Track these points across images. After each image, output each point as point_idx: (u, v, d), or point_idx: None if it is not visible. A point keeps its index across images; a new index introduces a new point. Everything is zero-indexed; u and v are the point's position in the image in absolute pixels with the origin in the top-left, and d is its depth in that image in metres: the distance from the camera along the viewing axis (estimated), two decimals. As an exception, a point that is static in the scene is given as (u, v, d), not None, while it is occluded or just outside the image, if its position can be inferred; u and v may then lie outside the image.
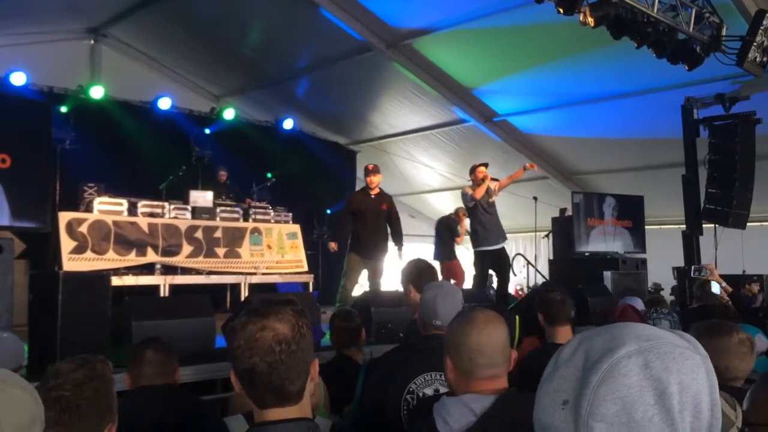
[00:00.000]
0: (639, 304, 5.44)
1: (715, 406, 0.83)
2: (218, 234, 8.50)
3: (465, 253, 15.38)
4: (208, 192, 8.82)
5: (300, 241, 9.30)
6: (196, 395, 3.31)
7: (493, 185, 7.58)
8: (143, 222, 7.92)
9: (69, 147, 8.52)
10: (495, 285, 8.41)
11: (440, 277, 8.22)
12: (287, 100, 11.74)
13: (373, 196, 7.36)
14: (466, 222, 9.10)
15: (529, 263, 10.59)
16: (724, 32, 6.72)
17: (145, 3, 9.25)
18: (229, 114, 10.99)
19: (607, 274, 8.35)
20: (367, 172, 7.41)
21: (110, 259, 7.47)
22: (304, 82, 11.34)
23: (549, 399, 0.83)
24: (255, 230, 8.88)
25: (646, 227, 9.95)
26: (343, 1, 8.72)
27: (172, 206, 8.33)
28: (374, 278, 7.24)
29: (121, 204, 7.89)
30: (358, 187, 13.53)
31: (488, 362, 1.82)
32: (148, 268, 7.88)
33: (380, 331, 5.47)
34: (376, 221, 7.29)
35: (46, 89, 9.25)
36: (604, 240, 9.27)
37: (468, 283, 9.04)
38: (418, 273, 3.27)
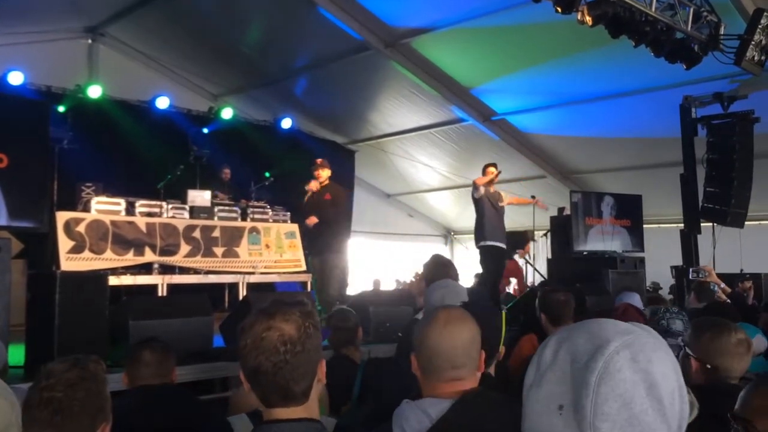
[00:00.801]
0: (637, 300, 5.45)
1: (683, 390, 0.86)
2: (216, 233, 8.48)
3: (464, 251, 15.42)
4: (206, 191, 8.80)
5: (298, 241, 9.28)
6: (194, 395, 3.30)
7: (505, 194, 7.94)
8: (141, 221, 7.91)
9: (67, 146, 8.50)
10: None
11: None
12: (285, 99, 11.74)
13: (319, 188, 7.40)
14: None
15: (527, 262, 10.61)
16: (722, 31, 6.72)
17: (143, 2, 9.24)
18: (227, 113, 10.98)
19: (606, 273, 8.36)
20: (315, 167, 7.50)
21: (108, 259, 7.45)
22: (303, 81, 11.33)
23: (541, 406, 0.82)
24: (253, 230, 8.87)
25: (645, 226, 9.95)
26: (341, 1, 8.71)
27: (170, 206, 8.32)
28: (321, 275, 7.12)
29: (118, 203, 7.88)
30: (356, 187, 13.61)
31: (447, 364, 1.77)
32: (145, 268, 7.87)
33: (378, 330, 5.47)
34: (318, 214, 7.29)
35: (44, 88, 9.24)
36: (603, 239, 9.27)
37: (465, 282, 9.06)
38: (432, 269, 3.29)
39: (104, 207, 7.74)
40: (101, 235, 7.47)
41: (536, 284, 9.93)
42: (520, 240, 10.48)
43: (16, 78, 8.66)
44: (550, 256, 10.12)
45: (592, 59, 8.41)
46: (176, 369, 2.95)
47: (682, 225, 8.41)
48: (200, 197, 8.67)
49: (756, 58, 6.61)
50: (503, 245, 7.69)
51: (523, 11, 7.55)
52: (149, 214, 8.07)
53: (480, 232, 7.70)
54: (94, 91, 9.41)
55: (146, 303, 5.25)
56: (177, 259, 8.06)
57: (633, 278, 8.64)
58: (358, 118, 12.25)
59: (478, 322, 1.89)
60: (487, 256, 7.62)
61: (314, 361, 1.49)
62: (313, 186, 7.47)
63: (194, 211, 8.46)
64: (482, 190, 7.68)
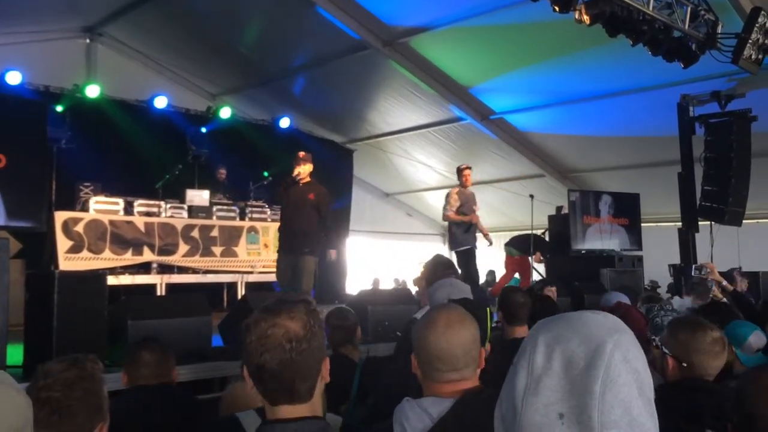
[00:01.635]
0: (625, 300, 5.45)
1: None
2: (215, 233, 8.50)
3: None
4: (204, 191, 8.81)
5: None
6: (192, 394, 3.31)
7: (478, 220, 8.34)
8: (139, 221, 7.92)
9: (65, 146, 8.49)
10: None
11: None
12: (284, 98, 11.73)
13: (300, 185, 6.51)
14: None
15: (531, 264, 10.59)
16: (719, 30, 6.72)
17: (141, 2, 9.23)
18: (225, 113, 10.97)
19: (604, 272, 8.38)
20: (297, 161, 6.58)
21: (106, 259, 7.46)
22: (301, 80, 11.33)
23: (541, 416, 0.80)
24: (252, 229, 8.89)
25: (643, 225, 9.97)
26: (339, 0, 8.72)
27: (169, 205, 8.33)
28: (293, 277, 6.30)
29: (117, 203, 7.89)
30: (355, 186, 13.61)
31: (448, 368, 1.76)
32: (144, 268, 7.88)
33: (377, 330, 5.48)
34: (298, 212, 6.41)
35: (42, 88, 9.22)
36: (601, 238, 9.28)
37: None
38: (432, 269, 3.31)
39: (102, 207, 7.75)
40: (99, 234, 7.48)
41: (535, 283, 9.93)
42: (527, 243, 10.40)
43: (14, 78, 8.64)
44: (548, 255, 10.14)
45: (590, 58, 8.42)
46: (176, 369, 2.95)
47: (680, 223, 8.41)
48: (199, 197, 8.69)
49: (753, 56, 6.62)
50: (473, 246, 8.11)
51: (521, 10, 7.55)
52: (148, 214, 8.08)
53: (453, 239, 8.21)
54: (92, 91, 9.39)
55: (145, 302, 5.25)
56: (175, 259, 8.07)
57: (631, 277, 8.67)
58: (357, 118, 12.25)
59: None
60: (462, 259, 7.89)
61: (319, 359, 1.49)
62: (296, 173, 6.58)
63: (193, 211, 8.47)
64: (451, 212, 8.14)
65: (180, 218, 8.32)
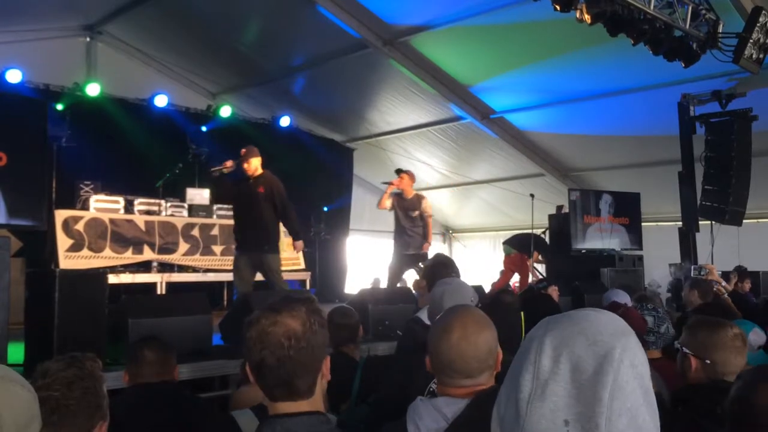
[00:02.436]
0: (625, 298, 5.44)
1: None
2: (215, 231, 8.50)
3: (462, 249, 15.43)
4: (204, 190, 8.81)
5: (297, 240, 9.28)
6: (193, 393, 3.31)
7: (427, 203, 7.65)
8: (140, 220, 7.92)
9: (65, 145, 8.49)
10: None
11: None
12: (284, 97, 11.72)
13: (250, 181, 6.15)
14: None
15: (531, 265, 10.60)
16: (720, 29, 6.72)
17: (141, 0, 9.22)
18: (225, 111, 10.97)
19: (604, 271, 8.36)
20: (241, 159, 6.14)
21: (107, 257, 7.46)
22: (301, 79, 11.32)
23: (547, 422, 0.78)
24: (252, 228, 8.86)
25: (643, 224, 9.96)
26: (339, -1, 8.72)
27: (169, 204, 8.33)
28: (252, 278, 6.12)
29: (117, 202, 7.89)
30: (355, 185, 13.60)
31: (462, 375, 1.75)
32: (144, 266, 7.88)
33: (378, 328, 5.48)
34: (250, 209, 6.11)
35: (42, 87, 9.22)
36: (601, 237, 9.27)
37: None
38: (433, 268, 3.30)
39: (103, 205, 7.75)
40: (100, 233, 7.48)
41: (535, 282, 9.94)
42: (525, 243, 10.37)
43: (14, 76, 8.64)
44: (549, 256, 10.14)
45: (591, 57, 8.41)
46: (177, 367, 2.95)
47: (681, 223, 8.41)
48: (199, 195, 8.69)
49: (754, 56, 6.62)
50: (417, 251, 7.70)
51: (521, 9, 7.56)
52: (148, 212, 8.08)
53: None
54: (93, 89, 9.39)
55: (145, 301, 5.25)
56: (176, 258, 8.07)
57: (631, 276, 8.65)
58: (357, 116, 12.25)
59: (500, 324, 1.85)
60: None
61: (318, 358, 1.50)
62: (229, 164, 6.17)
63: (193, 210, 8.47)
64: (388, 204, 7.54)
65: (180, 217, 8.32)
